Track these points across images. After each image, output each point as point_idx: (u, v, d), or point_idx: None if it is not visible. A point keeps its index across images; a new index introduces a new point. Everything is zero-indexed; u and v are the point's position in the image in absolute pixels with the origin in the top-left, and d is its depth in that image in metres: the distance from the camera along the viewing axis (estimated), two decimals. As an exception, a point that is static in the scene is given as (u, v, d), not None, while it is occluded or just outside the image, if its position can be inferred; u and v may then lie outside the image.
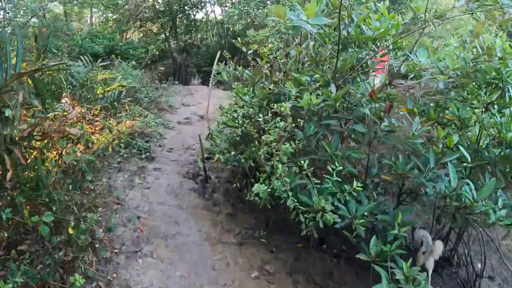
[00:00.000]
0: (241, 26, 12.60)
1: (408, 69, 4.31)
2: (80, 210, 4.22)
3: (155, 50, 11.79)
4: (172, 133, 7.52)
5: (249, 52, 5.12)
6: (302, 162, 3.43)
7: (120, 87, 7.33)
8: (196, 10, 15.66)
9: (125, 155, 5.98)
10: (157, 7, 15.42)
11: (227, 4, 15.01)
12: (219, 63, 6.72)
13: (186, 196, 5.32)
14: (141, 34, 16.70)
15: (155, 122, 7.51)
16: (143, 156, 6.21)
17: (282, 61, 5.01)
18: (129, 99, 7.60)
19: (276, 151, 3.87)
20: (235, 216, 5.03)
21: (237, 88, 5.19)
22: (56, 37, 12.09)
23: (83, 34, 11.98)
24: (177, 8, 14.84)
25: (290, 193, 3.48)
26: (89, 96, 6.89)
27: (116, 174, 5.44)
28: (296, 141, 3.97)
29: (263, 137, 3.80)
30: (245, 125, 4.35)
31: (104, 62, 7.74)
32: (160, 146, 6.79)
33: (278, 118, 3.85)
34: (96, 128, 6.22)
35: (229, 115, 4.66)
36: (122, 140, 6.23)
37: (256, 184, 3.76)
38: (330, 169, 3.42)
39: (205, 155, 5.82)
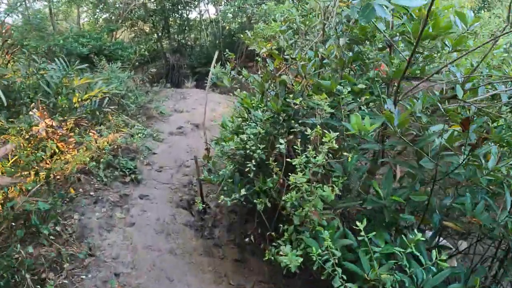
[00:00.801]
0: (237, 24, 11.19)
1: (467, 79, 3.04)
2: (37, 273, 2.88)
3: (144, 50, 10.32)
4: (162, 146, 6.12)
5: (262, 51, 3.77)
6: (359, 224, 2.11)
7: (101, 94, 5.93)
8: (189, 9, 14.18)
9: (105, 179, 4.60)
10: (148, 5, 13.92)
11: (222, 3, 13.57)
12: (215, 64, 5.38)
13: (181, 235, 3.97)
14: (133, 34, 15.16)
15: (143, 134, 6.11)
16: (128, 179, 4.83)
17: (302, 63, 3.68)
18: (113, 107, 6.20)
19: (308, 194, 2.56)
20: (243, 263, 3.70)
21: (244, 98, 3.86)
22: (40, 37, 10.57)
23: (65, 34, 10.42)
24: (170, 6, 13.35)
25: (340, 270, 2.16)
26: (63, 106, 5.49)
27: (92, 207, 4.06)
28: (333, 179, 2.66)
29: (291, 178, 2.47)
30: (258, 151, 3.02)
31: (83, 64, 6.33)
32: (149, 164, 5.40)
33: (312, 150, 2.51)
34: (70, 146, 4.82)
35: (236, 137, 3.32)
36: (101, 160, 4.84)
37: (282, 247, 2.44)
38: (404, 239, 2.11)
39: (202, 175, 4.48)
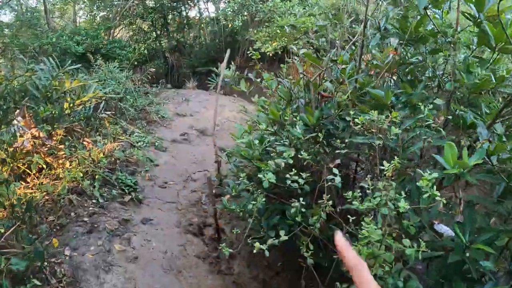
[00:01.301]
0: (240, 22, 10.35)
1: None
2: None
3: (143, 49, 9.48)
4: (165, 157, 5.31)
5: (301, 51, 2.99)
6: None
7: (96, 99, 5.11)
8: (189, 7, 13.32)
9: (101, 200, 3.81)
10: (147, 3, 13.02)
11: (222, 1, 12.74)
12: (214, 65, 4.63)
13: (194, 272, 3.20)
14: (131, 32, 14.25)
15: (143, 142, 5.31)
16: (127, 198, 4.04)
17: (342, 67, 2.92)
18: (110, 112, 5.38)
19: (377, 247, 1.81)
20: (270, 309, 2.96)
21: (270, 108, 3.07)
22: (34, 35, 9.67)
23: (58, 31, 9.52)
24: (169, 4, 12.46)
25: None
26: (53, 113, 4.66)
27: (86, 238, 3.26)
28: (404, 223, 1.91)
29: (363, 231, 1.71)
30: (305, 186, 2.24)
31: (79, 63, 5.50)
32: (150, 179, 4.60)
33: (384, 189, 1.75)
34: (60, 160, 4.01)
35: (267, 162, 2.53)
36: (97, 176, 4.04)
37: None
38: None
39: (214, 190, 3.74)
